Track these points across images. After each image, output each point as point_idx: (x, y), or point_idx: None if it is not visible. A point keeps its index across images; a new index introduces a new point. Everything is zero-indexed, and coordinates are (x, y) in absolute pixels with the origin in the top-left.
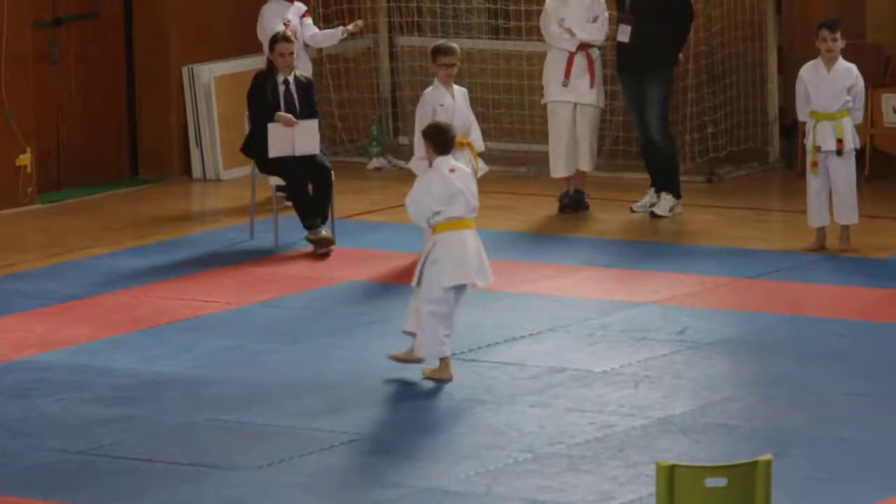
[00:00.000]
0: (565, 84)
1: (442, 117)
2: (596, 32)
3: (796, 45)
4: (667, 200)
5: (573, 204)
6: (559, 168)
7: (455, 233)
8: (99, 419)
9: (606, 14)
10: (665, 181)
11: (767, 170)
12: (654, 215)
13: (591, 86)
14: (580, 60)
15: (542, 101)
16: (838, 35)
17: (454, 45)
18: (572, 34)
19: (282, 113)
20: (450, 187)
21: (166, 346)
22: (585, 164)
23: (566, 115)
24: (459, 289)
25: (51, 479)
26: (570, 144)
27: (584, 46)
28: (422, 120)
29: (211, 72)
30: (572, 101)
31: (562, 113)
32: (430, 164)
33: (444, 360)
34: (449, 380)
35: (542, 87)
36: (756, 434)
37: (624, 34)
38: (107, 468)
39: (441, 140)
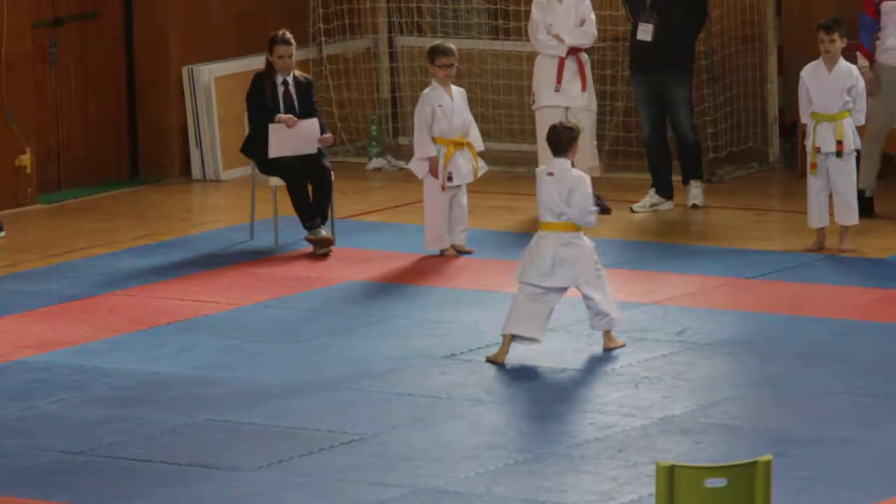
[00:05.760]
0: (557, 89)
1: (441, 118)
2: (584, 36)
3: (796, 46)
4: (697, 187)
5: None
6: None
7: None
8: (99, 419)
9: (593, 16)
10: (692, 170)
11: (767, 170)
12: (695, 206)
13: (583, 90)
14: (570, 65)
15: (533, 108)
16: (835, 36)
17: (452, 45)
18: (561, 40)
19: (282, 114)
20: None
21: (166, 346)
22: (592, 171)
23: (556, 120)
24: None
25: (51, 479)
26: None
27: (574, 50)
28: (421, 120)
29: (211, 72)
30: (564, 105)
31: (551, 118)
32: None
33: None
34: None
35: None
36: (756, 434)
37: (646, 33)
38: (107, 468)
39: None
